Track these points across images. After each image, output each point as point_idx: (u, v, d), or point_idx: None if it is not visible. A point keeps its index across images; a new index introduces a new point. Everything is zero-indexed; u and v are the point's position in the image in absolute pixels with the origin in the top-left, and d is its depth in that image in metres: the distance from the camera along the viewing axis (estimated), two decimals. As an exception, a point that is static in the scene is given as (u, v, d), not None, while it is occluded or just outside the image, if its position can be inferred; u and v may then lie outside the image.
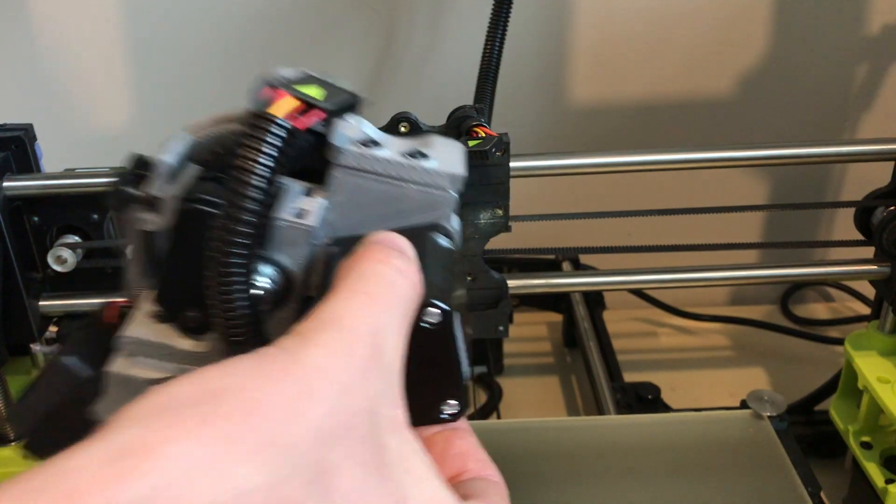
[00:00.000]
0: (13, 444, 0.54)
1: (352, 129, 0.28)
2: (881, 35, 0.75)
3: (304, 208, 0.27)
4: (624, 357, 0.73)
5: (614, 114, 0.79)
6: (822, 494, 0.51)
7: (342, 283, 0.23)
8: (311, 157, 0.28)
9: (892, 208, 0.55)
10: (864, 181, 0.60)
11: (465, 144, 0.48)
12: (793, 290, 0.88)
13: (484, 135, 0.48)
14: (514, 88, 0.76)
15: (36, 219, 0.54)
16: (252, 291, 0.26)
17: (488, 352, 0.76)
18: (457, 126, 0.50)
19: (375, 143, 0.29)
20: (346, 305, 0.22)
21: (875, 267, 0.57)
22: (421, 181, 0.29)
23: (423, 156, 0.29)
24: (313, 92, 0.27)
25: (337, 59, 0.77)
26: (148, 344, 0.27)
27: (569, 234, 0.74)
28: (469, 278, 0.56)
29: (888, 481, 0.53)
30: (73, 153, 0.78)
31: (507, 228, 0.54)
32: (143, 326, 0.27)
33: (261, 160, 0.25)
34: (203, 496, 0.17)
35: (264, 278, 0.26)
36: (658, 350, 0.81)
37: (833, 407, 0.60)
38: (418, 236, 0.27)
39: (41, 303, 0.56)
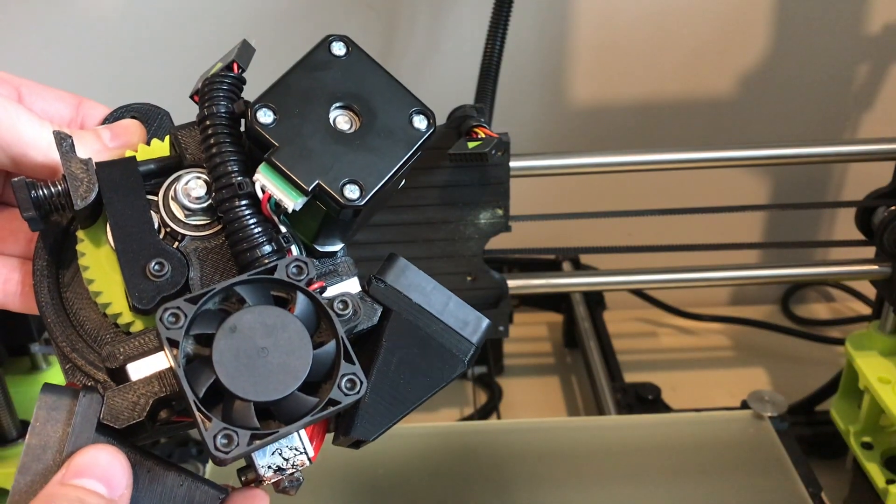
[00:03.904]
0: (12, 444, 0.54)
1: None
2: (882, 35, 0.75)
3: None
4: (624, 357, 0.73)
5: (614, 114, 0.79)
6: (823, 495, 0.51)
7: None
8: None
9: (893, 208, 0.55)
10: (864, 181, 0.60)
11: (465, 145, 0.48)
12: (793, 290, 0.88)
13: (484, 135, 0.48)
14: (515, 88, 0.75)
15: (35, 219, 0.54)
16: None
17: (488, 352, 0.75)
18: (457, 126, 0.50)
19: None
20: None
21: (876, 267, 0.57)
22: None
23: None
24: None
25: (337, 59, 0.77)
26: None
27: (569, 234, 0.74)
28: (469, 278, 0.56)
29: (889, 482, 0.53)
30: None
31: (507, 228, 0.54)
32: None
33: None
34: None
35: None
36: (658, 350, 0.81)
37: (834, 407, 0.60)
38: None
39: (40, 303, 0.56)
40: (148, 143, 0.30)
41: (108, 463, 0.25)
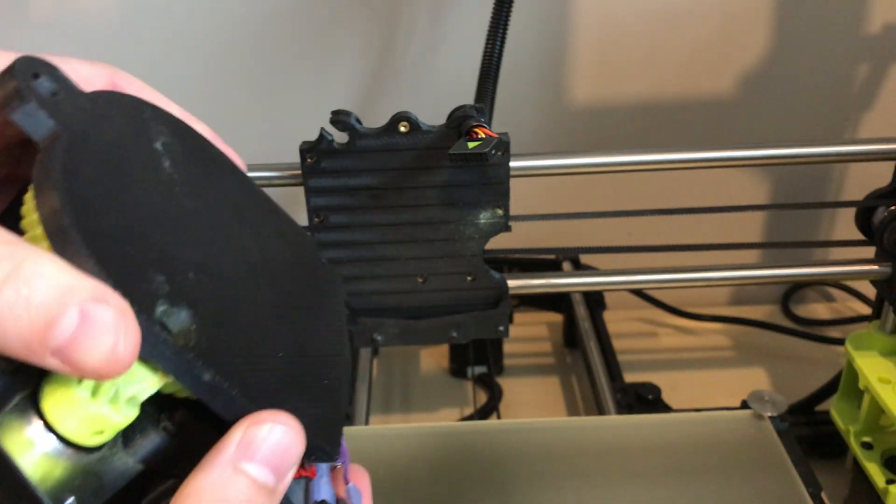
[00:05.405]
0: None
1: None
2: (882, 34, 0.75)
3: None
4: (624, 357, 0.73)
5: (614, 114, 0.79)
6: (823, 495, 0.51)
7: None
8: None
9: (893, 208, 0.55)
10: (864, 181, 0.60)
11: (465, 144, 0.47)
12: (793, 290, 0.88)
13: (484, 135, 0.48)
14: (515, 88, 0.75)
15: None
16: None
17: (488, 352, 0.75)
18: (457, 126, 0.50)
19: None
20: None
21: (876, 267, 0.57)
22: None
23: None
24: None
25: (336, 59, 0.77)
26: None
27: (569, 234, 0.74)
28: (469, 278, 0.56)
29: (889, 482, 0.53)
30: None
31: (507, 228, 0.54)
32: None
33: None
34: None
35: None
36: (658, 350, 0.81)
37: (834, 407, 0.60)
38: None
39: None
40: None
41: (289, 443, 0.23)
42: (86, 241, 0.20)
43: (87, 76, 0.27)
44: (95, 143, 0.23)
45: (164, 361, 0.22)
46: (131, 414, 0.22)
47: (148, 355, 0.21)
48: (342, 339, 0.30)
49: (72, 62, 0.27)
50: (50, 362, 0.20)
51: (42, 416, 0.21)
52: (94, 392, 0.22)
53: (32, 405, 0.22)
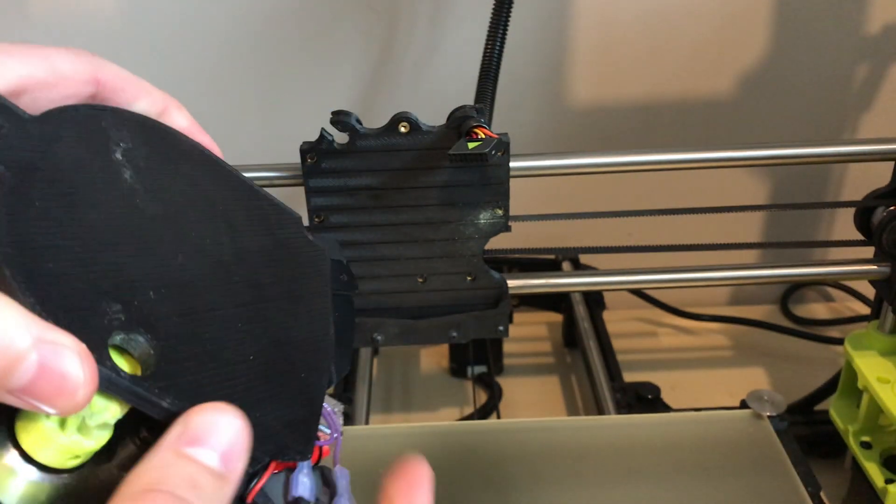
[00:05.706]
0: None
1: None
2: (881, 34, 0.75)
3: None
4: (624, 357, 0.73)
5: (614, 114, 0.79)
6: (822, 494, 0.51)
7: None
8: None
9: (892, 208, 0.55)
10: (864, 181, 0.60)
11: (465, 145, 0.48)
12: (793, 290, 0.88)
13: (484, 135, 0.48)
14: (515, 89, 0.76)
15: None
16: None
17: (488, 352, 0.76)
18: (457, 126, 0.50)
19: None
20: None
21: (875, 267, 0.57)
22: None
23: None
24: None
25: (336, 59, 0.77)
26: None
27: (569, 234, 0.74)
28: (469, 278, 0.56)
29: (888, 481, 0.53)
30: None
31: (507, 228, 0.54)
32: None
33: None
34: None
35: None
36: (658, 350, 0.81)
37: (833, 407, 0.60)
38: None
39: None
40: None
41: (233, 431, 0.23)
42: (29, 288, 0.20)
43: (68, 73, 0.26)
44: (46, 172, 0.23)
45: (121, 394, 0.22)
46: (104, 436, 0.23)
47: (105, 389, 0.21)
48: (324, 321, 0.29)
49: (52, 56, 0.26)
50: (7, 399, 0.20)
51: (19, 447, 0.22)
52: (62, 424, 0.22)
53: (9, 437, 0.22)
